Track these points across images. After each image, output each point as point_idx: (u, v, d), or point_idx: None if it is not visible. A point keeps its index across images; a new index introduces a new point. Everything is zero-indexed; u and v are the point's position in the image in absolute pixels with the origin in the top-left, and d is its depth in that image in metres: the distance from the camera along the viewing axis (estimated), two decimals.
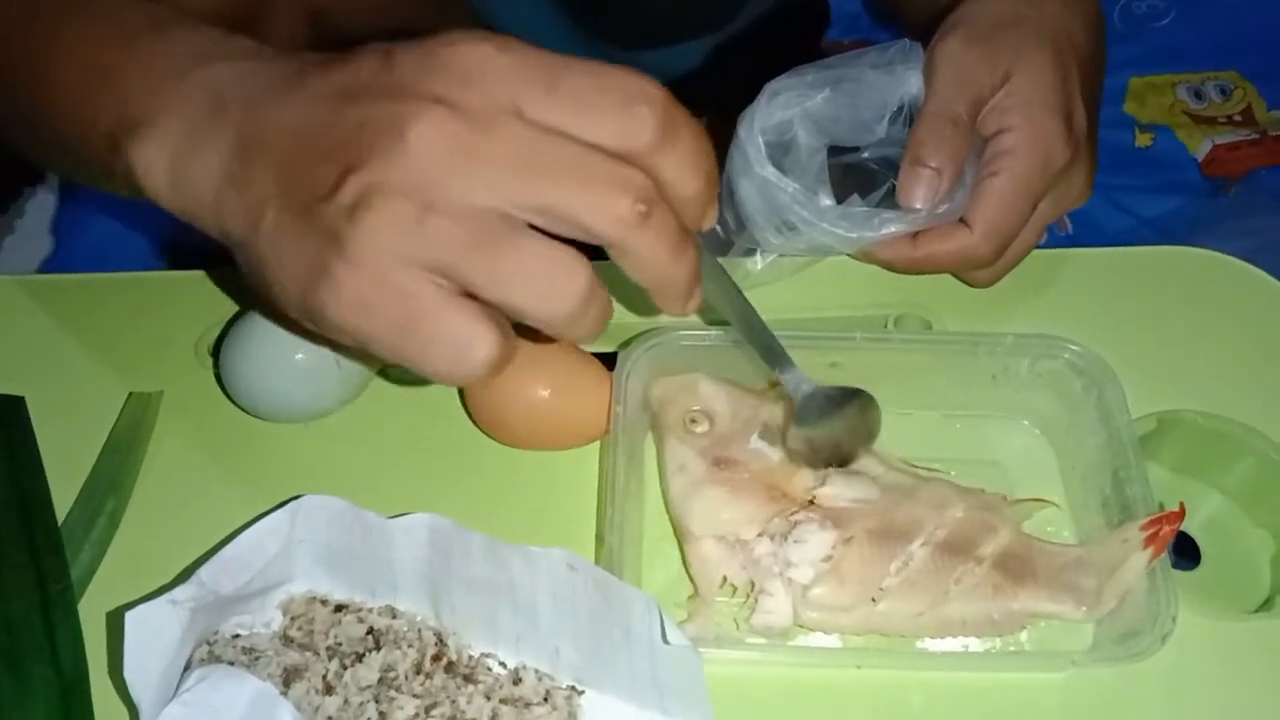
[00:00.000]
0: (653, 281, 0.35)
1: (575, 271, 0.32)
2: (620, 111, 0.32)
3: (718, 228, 0.52)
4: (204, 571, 0.39)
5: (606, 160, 0.32)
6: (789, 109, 0.50)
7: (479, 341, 0.32)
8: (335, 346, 0.46)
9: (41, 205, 0.99)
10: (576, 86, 0.32)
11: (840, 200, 0.50)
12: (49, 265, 0.87)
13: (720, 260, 0.51)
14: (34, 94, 0.44)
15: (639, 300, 0.53)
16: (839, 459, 0.45)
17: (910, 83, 0.50)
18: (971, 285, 0.53)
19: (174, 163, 0.37)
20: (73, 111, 0.41)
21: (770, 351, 0.43)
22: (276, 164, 0.34)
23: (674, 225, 0.34)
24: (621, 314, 0.52)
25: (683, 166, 0.33)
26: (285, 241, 0.34)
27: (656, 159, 0.33)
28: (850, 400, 0.44)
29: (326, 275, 0.32)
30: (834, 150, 0.51)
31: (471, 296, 0.33)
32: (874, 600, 0.42)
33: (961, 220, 0.49)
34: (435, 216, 0.31)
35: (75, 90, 0.41)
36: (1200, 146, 0.92)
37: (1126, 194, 0.88)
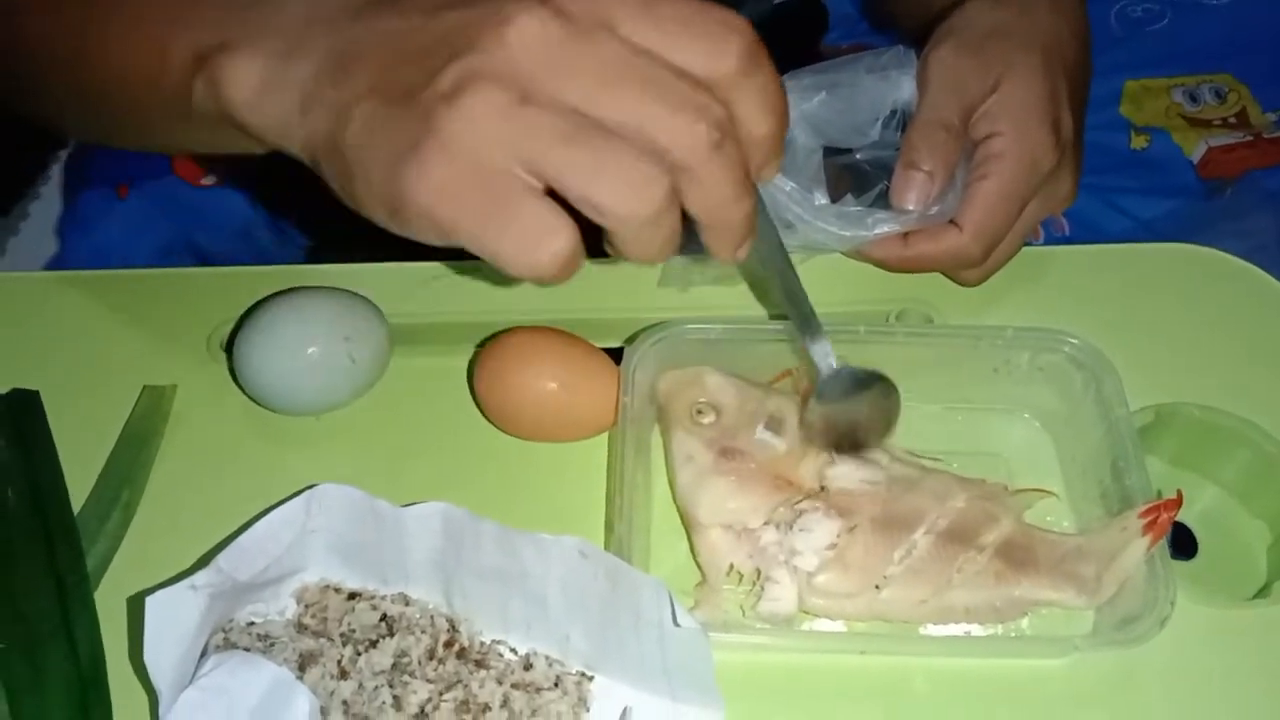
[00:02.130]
0: (710, 217, 0.35)
1: (658, 178, 0.33)
2: (708, 40, 0.34)
3: None
4: (222, 558, 0.40)
5: (688, 84, 0.33)
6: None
7: (556, 232, 0.33)
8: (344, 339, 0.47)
9: (46, 207, 1.00)
10: (670, 12, 0.34)
11: (834, 200, 0.51)
12: (53, 266, 0.87)
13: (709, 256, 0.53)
14: (98, 43, 0.45)
15: (645, 296, 0.54)
16: (853, 443, 0.45)
17: (903, 87, 0.52)
18: (960, 284, 0.54)
19: (263, 76, 0.37)
20: (143, 47, 0.42)
21: (806, 320, 0.44)
22: (373, 66, 0.35)
23: (741, 164, 0.35)
24: (628, 309, 0.53)
25: (759, 103, 0.34)
26: (377, 130, 0.34)
27: (735, 91, 0.34)
28: (873, 385, 0.45)
29: (416, 157, 0.33)
30: (828, 151, 0.53)
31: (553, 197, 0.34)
32: (878, 588, 0.42)
33: (952, 221, 0.50)
34: (530, 107, 0.32)
35: (146, 26, 0.42)
36: (1196, 149, 0.93)
37: (1123, 196, 0.89)
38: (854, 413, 0.45)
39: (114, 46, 0.44)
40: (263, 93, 0.38)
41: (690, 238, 0.55)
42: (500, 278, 0.55)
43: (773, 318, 0.53)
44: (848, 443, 0.45)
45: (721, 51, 0.34)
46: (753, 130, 0.35)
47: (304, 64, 0.36)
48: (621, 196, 0.33)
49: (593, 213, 0.33)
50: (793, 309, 0.44)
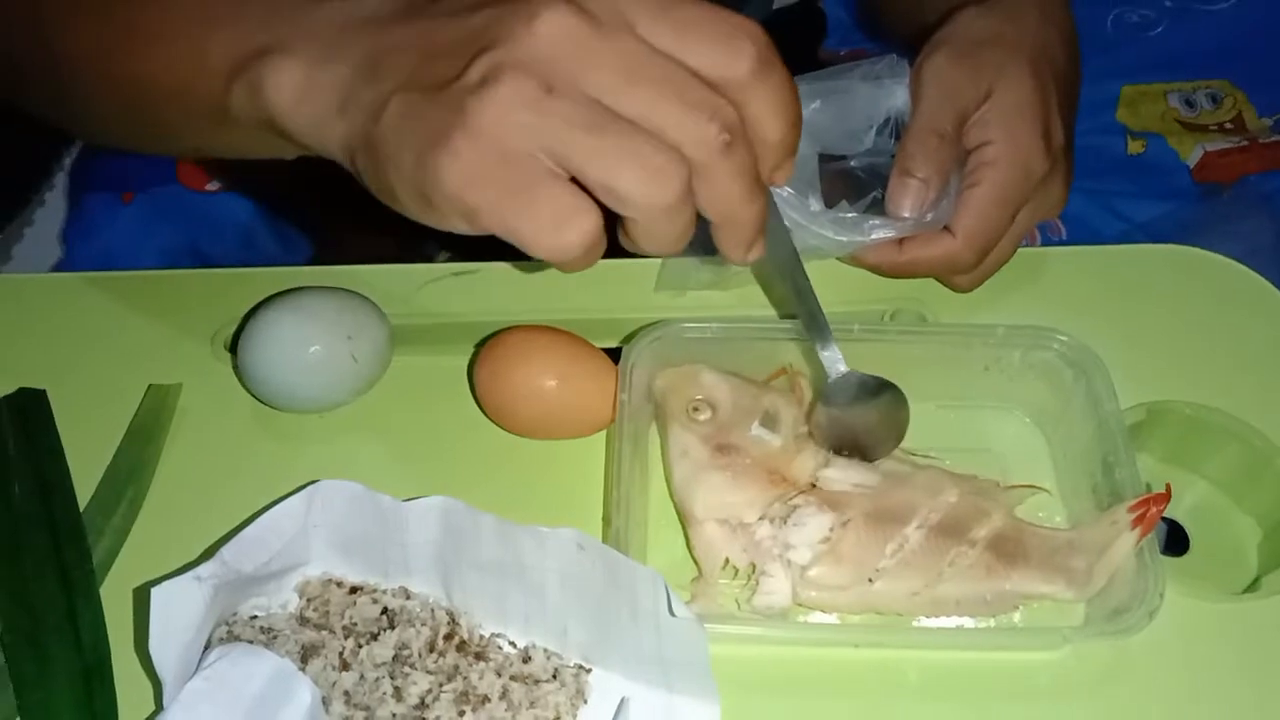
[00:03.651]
0: (721, 216, 0.36)
1: (676, 168, 0.34)
2: (723, 43, 0.35)
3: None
4: (226, 550, 0.40)
5: (702, 86, 0.35)
6: None
7: (580, 216, 0.34)
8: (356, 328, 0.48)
9: (50, 213, 1.00)
10: (686, 14, 0.35)
11: (829, 206, 0.52)
12: (57, 272, 0.88)
13: (706, 259, 0.53)
14: (127, 43, 0.45)
15: (642, 297, 0.55)
16: (858, 450, 0.46)
17: (896, 96, 0.53)
18: (953, 289, 0.54)
19: (303, 81, 0.39)
20: (180, 55, 0.43)
21: (815, 323, 0.46)
22: (405, 64, 0.36)
23: (751, 165, 0.36)
24: (625, 310, 0.53)
25: (771, 106, 0.36)
26: (409, 121, 0.35)
27: (748, 94, 0.35)
28: (882, 393, 0.46)
29: (447, 144, 0.34)
30: (823, 158, 0.53)
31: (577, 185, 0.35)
32: (870, 580, 0.43)
33: (945, 227, 0.51)
34: (556, 96, 0.34)
35: (182, 34, 0.43)
36: (1192, 153, 0.93)
37: (1119, 199, 0.90)
38: (861, 419, 0.46)
39: (146, 48, 0.45)
40: (302, 97, 0.39)
41: (694, 238, 0.56)
42: (500, 278, 0.56)
43: (774, 317, 0.54)
44: (852, 449, 0.46)
45: (735, 55, 0.35)
46: (765, 133, 0.36)
47: (340, 67, 0.38)
48: (642, 184, 0.34)
49: (613, 200, 0.35)
50: (803, 311, 0.46)
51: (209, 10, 0.43)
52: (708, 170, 0.35)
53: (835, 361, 0.46)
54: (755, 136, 0.36)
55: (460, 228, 0.36)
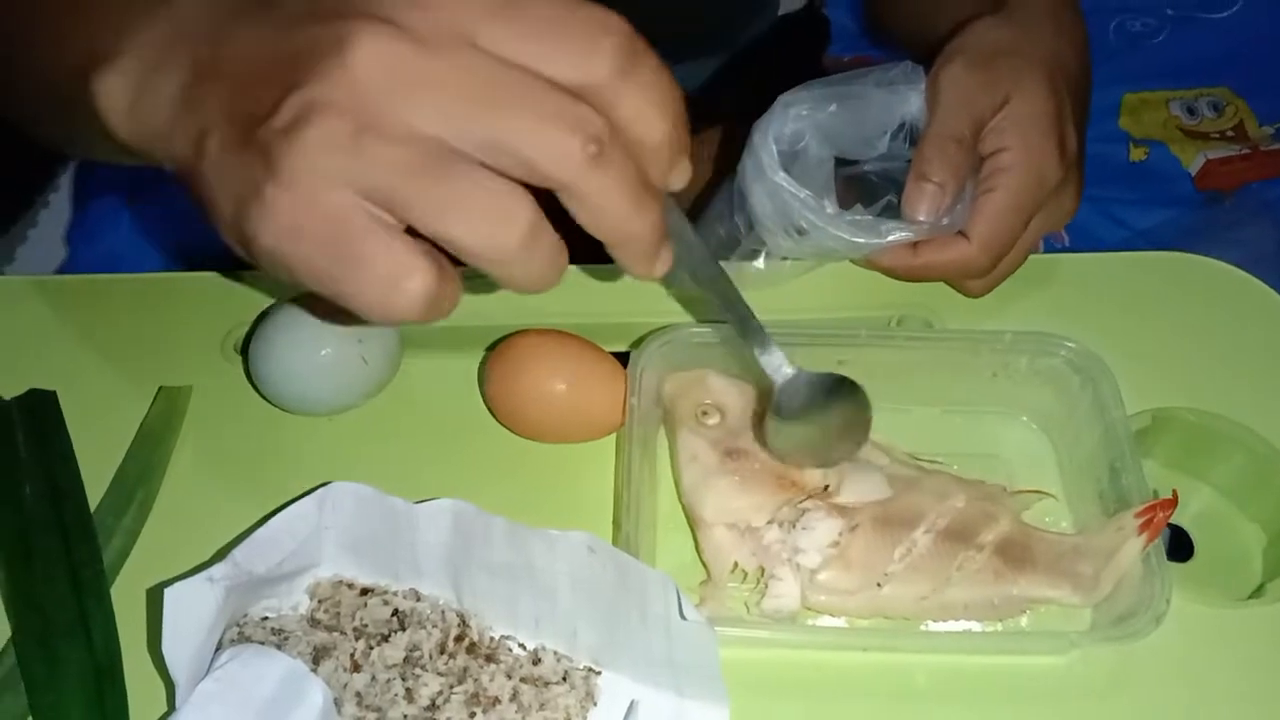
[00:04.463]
0: (609, 234, 0.33)
1: (518, 208, 0.31)
2: (577, 42, 0.31)
3: (721, 230, 0.55)
4: (238, 552, 0.40)
5: (559, 95, 0.30)
6: (800, 121, 0.52)
7: (412, 273, 0.31)
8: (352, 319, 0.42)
9: (55, 215, 1.01)
10: (534, 15, 0.31)
11: (843, 210, 0.52)
12: (62, 274, 0.88)
13: (724, 263, 0.54)
14: (27, 38, 0.43)
15: (651, 301, 0.55)
16: (827, 460, 0.45)
17: (911, 102, 0.53)
18: (965, 295, 0.55)
19: (133, 92, 0.36)
20: (54, 48, 0.41)
21: (748, 328, 0.42)
22: (224, 89, 0.33)
23: (632, 173, 0.32)
24: (635, 314, 0.54)
25: (644, 105, 0.31)
26: (224, 168, 0.32)
27: (615, 96, 0.31)
28: (837, 390, 0.43)
29: (259, 197, 0.31)
30: (837, 163, 0.54)
31: (413, 232, 0.31)
32: (879, 585, 0.43)
33: (960, 232, 0.51)
34: (372, 138, 0.30)
35: (55, 25, 0.41)
36: (1194, 161, 0.94)
37: (1121, 207, 0.90)
38: (821, 427, 0.43)
39: (36, 46, 0.42)
40: (131, 112, 0.36)
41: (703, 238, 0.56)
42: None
43: (783, 321, 0.54)
44: (824, 462, 0.45)
45: (593, 54, 0.31)
46: (643, 135, 0.32)
47: (170, 79, 0.35)
48: (477, 231, 0.30)
49: (453, 250, 0.31)
50: (733, 318, 0.42)
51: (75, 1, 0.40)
52: (578, 189, 0.31)
53: (778, 365, 0.42)
54: (633, 139, 0.32)
55: (286, 281, 0.33)
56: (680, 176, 0.34)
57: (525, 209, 0.31)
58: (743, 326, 0.42)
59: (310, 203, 0.31)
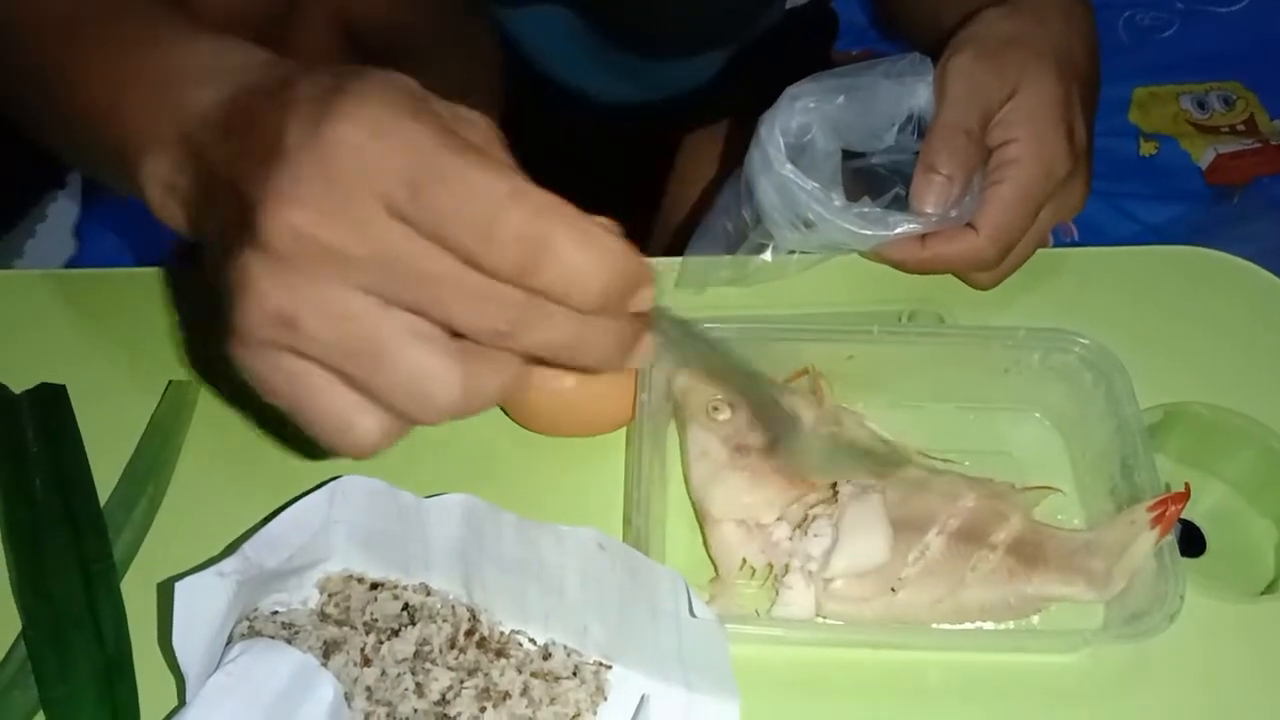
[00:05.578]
0: (566, 362, 0.33)
1: (447, 384, 0.31)
2: (480, 229, 0.29)
3: (728, 225, 0.54)
4: (248, 546, 0.40)
5: (469, 273, 0.30)
6: (808, 113, 0.52)
7: (357, 424, 0.32)
8: None
9: (63, 209, 1.01)
10: (436, 198, 0.29)
11: (850, 202, 0.52)
12: (71, 267, 0.88)
13: (730, 256, 0.53)
14: (72, 98, 0.44)
15: (662, 297, 0.54)
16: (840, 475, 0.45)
17: (919, 94, 0.53)
18: (974, 287, 0.55)
19: (165, 184, 0.37)
20: (100, 119, 0.41)
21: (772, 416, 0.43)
22: (224, 200, 0.34)
23: (564, 322, 0.31)
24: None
25: (566, 283, 0.30)
26: (221, 279, 0.33)
27: (532, 279, 0.30)
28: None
29: (232, 330, 0.32)
30: (845, 155, 0.54)
31: None
32: (893, 590, 0.43)
33: (969, 224, 0.51)
34: (304, 316, 0.31)
35: (101, 101, 0.41)
36: (1204, 155, 0.94)
37: (1131, 201, 0.90)
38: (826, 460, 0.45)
39: (83, 117, 0.42)
40: (165, 201, 0.37)
41: (697, 239, 0.56)
42: None
43: (794, 316, 0.54)
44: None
45: (496, 239, 0.29)
46: (575, 295, 0.30)
47: (188, 182, 0.36)
48: (411, 408, 0.31)
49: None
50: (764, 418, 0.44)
51: (117, 80, 0.40)
52: (516, 342, 0.31)
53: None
54: (566, 296, 0.30)
55: None
56: (645, 298, 0.33)
57: (454, 383, 0.31)
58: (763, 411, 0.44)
59: (262, 359, 0.32)
